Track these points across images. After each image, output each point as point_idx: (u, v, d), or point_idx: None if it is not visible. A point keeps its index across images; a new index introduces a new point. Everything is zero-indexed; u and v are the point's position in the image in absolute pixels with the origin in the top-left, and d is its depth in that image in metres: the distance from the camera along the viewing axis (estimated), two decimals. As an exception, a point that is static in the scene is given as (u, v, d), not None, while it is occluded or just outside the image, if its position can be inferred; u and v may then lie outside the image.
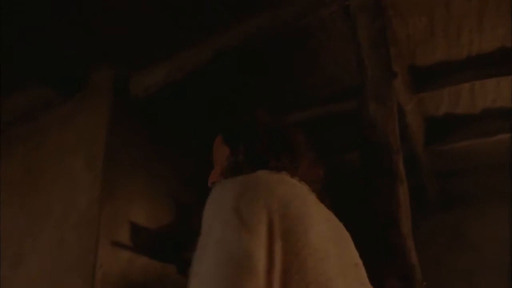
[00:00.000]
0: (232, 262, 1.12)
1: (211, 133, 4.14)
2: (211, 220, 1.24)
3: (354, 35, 2.78)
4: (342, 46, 3.44)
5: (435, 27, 3.39)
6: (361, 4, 2.83)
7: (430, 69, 3.78)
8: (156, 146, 3.74)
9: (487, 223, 5.15)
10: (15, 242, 3.73)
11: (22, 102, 3.91)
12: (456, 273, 5.05)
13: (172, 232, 3.68)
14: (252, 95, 3.81)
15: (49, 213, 3.59)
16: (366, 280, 1.42)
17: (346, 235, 1.45)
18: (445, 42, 3.53)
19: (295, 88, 3.84)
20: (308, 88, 3.83)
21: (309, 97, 3.90)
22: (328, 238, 1.31)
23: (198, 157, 4.04)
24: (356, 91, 2.68)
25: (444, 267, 5.06)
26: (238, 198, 1.24)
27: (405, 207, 2.31)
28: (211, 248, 1.18)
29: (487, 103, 4.20)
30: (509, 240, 4.88)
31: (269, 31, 3.10)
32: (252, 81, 3.72)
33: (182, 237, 3.67)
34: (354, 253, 1.44)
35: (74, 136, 3.65)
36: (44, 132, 3.92)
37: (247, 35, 3.16)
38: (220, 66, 3.37)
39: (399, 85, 3.52)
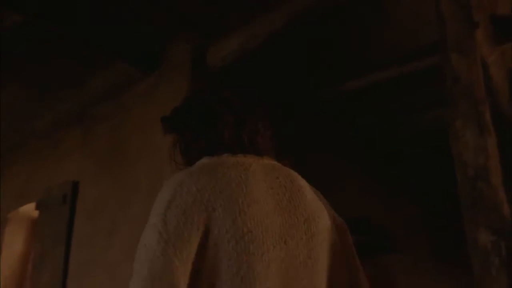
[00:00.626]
0: (145, 267, 1.25)
1: (291, 99, 4.16)
2: (150, 216, 1.36)
3: (432, -13, 2.70)
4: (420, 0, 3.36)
5: (516, -27, 3.25)
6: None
7: (513, 18, 3.63)
8: (236, 115, 3.77)
9: None
10: (109, 215, 3.89)
11: (105, 81, 4.04)
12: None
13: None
14: (329, 58, 3.78)
15: (137, 186, 3.71)
16: (320, 229, 1.48)
17: (296, 193, 1.49)
18: (528, -12, 3.38)
19: (374, 48, 3.78)
20: (387, 47, 3.76)
21: (388, 56, 3.83)
22: (268, 211, 1.38)
23: (278, 124, 4.06)
24: (435, 46, 2.61)
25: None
26: (167, 207, 1.32)
27: (495, 159, 2.25)
28: (140, 247, 1.32)
29: None
30: None
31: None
32: (329, 43, 3.68)
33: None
34: (304, 208, 1.48)
35: (156, 110, 3.74)
36: (127, 108, 4.04)
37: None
38: (296, 30, 3.36)
39: (480, 36, 3.40)
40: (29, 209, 5.02)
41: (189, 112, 1.66)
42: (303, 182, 1.56)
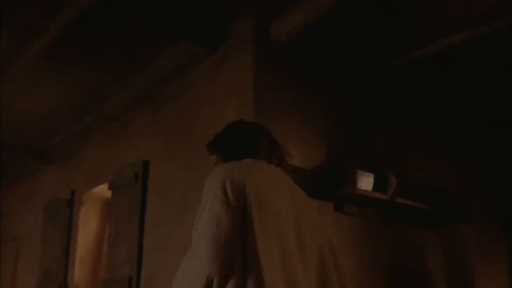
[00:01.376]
0: (214, 223, 1.86)
1: (355, 70, 4.14)
2: (207, 193, 1.97)
3: None
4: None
5: None
6: None
7: None
8: (303, 88, 3.79)
9: None
10: (180, 192, 3.99)
11: (171, 61, 4.11)
12: None
13: (327, 171, 3.75)
14: (394, 27, 3.73)
15: (207, 164, 3.78)
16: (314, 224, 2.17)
17: (299, 196, 2.21)
18: None
19: (438, 15, 3.71)
20: (452, 12, 3.68)
21: (453, 23, 3.75)
22: (286, 205, 2.04)
23: (345, 95, 4.06)
24: (502, 10, 2.55)
25: None
26: (225, 179, 1.95)
27: None
28: (205, 213, 1.92)
29: None
30: None
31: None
32: (393, 12, 3.63)
33: (337, 175, 3.73)
34: (302, 202, 2.20)
35: (223, 87, 3.80)
36: (194, 86, 4.11)
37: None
38: (360, 0, 3.34)
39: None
40: (102, 190, 5.19)
41: (230, 136, 2.33)
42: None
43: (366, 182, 3.65)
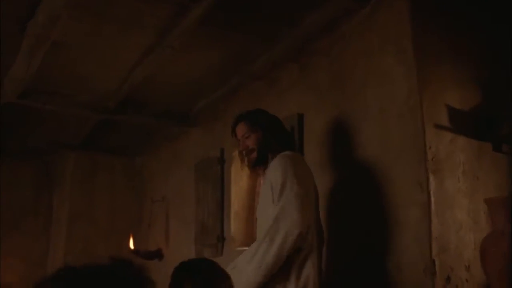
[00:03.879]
0: (299, 199, 3.10)
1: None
2: (284, 176, 3.16)
3: None
4: None
5: None
6: None
7: None
8: (460, 35, 3.82)
9: None
10: (337, 141, 4.19)
11: (320, 16, 4.26)
12: None
13: (484, 112, 3.81)
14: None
15: (366, 111, 3.95)
16: None
17: None
18: None
19: None
20: None
21: None
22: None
23: (500, 42, 4.04)
24: None
25: None
26: (295, 166, 3.27)
27: None
28: (288, 191, 3.10)
29: None
30: None
31: None
32: None
33: (495, 116, 3.78)
34: None
35: (377, 37, 3.92)
36: (345, 40, 4.26)
37: None
38: None
39: None
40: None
41: (279, 128, 3.71)
42: None
43: (525, 120, 3.68)
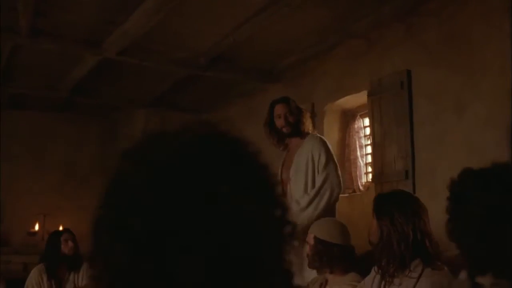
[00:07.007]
0: (337, 170, 4.40)
1: None
2: (327, 154, 4.38)
3: None
4: None
5: None
6: None
7: None
8: None
9: None
10: (452, 95, 4.63)
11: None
12: None
13: None
14: None
15: (484, 68, 4.37)
16: None
17: None
18: None
19: None
20: None
21: None
22: None
23: None
24: None
25: None
26: (330, 148, 4.51)
27: None
28: (331, 166, 4.37)
29: None
30: None
31: None
32: None
33: None
34: None
35: (495, 1, 4.33)
36: (457, 3, 4.66)
37: None
38: None
39: None
40: (343, 102, 5.94)
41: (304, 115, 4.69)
42: None
43: None
